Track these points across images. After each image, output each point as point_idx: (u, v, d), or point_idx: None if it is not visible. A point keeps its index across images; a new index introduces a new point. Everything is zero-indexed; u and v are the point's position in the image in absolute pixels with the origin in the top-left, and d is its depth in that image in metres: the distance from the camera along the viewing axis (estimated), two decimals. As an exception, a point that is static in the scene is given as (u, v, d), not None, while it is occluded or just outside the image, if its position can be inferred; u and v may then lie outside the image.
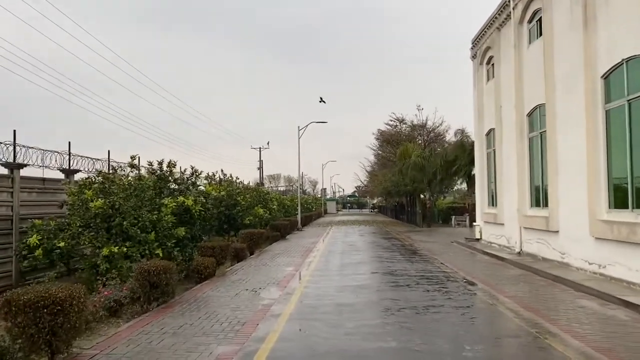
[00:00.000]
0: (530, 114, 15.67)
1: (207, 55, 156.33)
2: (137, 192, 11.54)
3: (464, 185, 49.90)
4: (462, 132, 34.07)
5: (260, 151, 74.01)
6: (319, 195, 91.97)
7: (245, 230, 18.81)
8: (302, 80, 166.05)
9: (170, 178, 14.28)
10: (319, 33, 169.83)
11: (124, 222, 10.39)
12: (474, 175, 36.08)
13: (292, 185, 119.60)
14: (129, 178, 12.28)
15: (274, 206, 28.53)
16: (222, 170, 24.41)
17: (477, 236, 21.37)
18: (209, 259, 12.44)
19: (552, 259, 13.55)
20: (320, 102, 35.00)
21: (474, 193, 39.65)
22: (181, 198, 13.34)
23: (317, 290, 10.54)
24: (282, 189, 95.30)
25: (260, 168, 74.40)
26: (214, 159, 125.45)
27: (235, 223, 22.85)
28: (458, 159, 34.42)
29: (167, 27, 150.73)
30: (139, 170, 13.10)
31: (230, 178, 25.23)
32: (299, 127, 33.31)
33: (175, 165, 13.94)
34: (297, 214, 34.40)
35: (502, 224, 18.10)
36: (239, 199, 22.86)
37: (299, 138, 33.32)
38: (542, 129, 14.67)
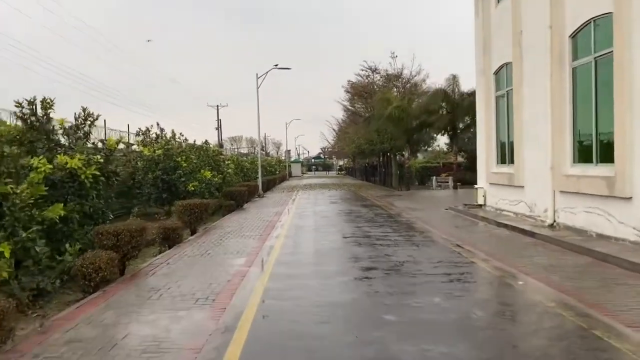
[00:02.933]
0: (575, 34, 11.25)
1: (160, 15, 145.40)
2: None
3: (440, 143, 46.18)
4: (453, 78, 29.68)
5: (217, 109, 68.20)
6: (283, 158, 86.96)
7: (184, 201, 14.01)
8: (260, 41, 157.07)
9: (52, 127, 9.31)
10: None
11: None
12: (464, 127, 32.18)
13: (254, 148, 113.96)
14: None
15: (230, 170, 23.67)
16: (157, 124, 19.31)
17: (480, 202, 17.27)
18: (106, 253, 7.69)
19: (616, 237, 9.45)
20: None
21: (458, 150, 35.80)
22: (62, 157, 8.41)
23: (281, 315, 6.01)
24: (244, 152, 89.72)
25: (219, 128, 68.70)
26: (176, 123, 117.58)
27: (177, 191, 18.01)
28: (441, 109, 30.26)
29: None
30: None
31: (170, 136, 20.15)
32: (257, 74, 28.16)
33: (52, 105, 8.90)
34: (258, 177, 29.61)
35: (521, 187, 13.95)
36: (179, 160, 17.95)
37: (258, 87, 28.20)
38: (600, 51, 10.30)
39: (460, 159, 58.05)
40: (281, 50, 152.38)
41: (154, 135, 19.09)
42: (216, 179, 18.99)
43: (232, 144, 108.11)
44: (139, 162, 18.43)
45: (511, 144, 14.98)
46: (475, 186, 18.00)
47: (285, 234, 12.79)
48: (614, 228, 9.64)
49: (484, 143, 17.14)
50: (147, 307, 6.34)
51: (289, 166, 78.91)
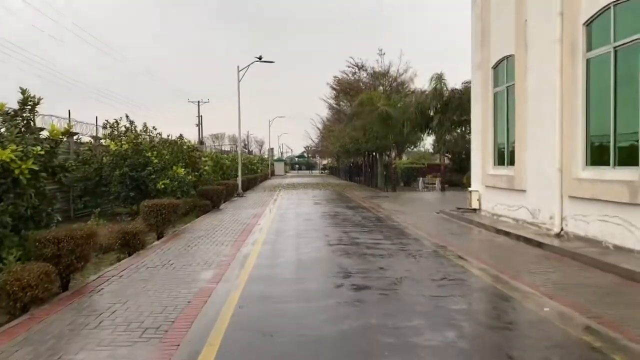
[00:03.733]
0: (590, 22, 10.08)
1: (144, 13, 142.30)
2: None
3: (425, 143, 45.21)
4: (439, 77, 28.54)
5: (199, 105, 66.35)
6: (266, 156, 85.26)
7: (150, 202, 12.50)
8: (245, 39, 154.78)
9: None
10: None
11: None
12: (451, 126, 31.01)
13: (236, 145, 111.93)
14: None
15: (207, 167, 22.13)
16: (127, 116, 17.71)
17: (475, 206, 16.10)
18: (39, 267, 6.22)
19: (639, 250, 8.30)
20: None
21: (445, 152, 34.71)
22: (-11, 148, 6.91)
23: (251, 357, 4.63)
24: (226, 149, 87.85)
25: (200, 124, 66.91)
26: (158, 120, 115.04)
27: (147, 189, 16.47)
28: (429, 109, 29.13)
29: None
30: None
31: (142, 129, 18.55)
32: (238, 67, 26.60)
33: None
34: (238, 176, 28.09)
35: (523, 191, 12.78)
36: (150, 155, 16.40)
37: (239, 81, 26.62)
38: (621, 40, 9.13)
39: (445, 160, 57.67)
40: (266, 49, 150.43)
41: (123, 128, 17.45)
42: (190, 177, 17.47)
43: (214, 141, 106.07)
44: (105, 158, 16.85)
45: (511, 144, 13.81)
46: (469, 189, 16.83)
47: (264, 239, 11.38)
48: (636, 239, 8.47)
49: (480, 143, 15.95)
50: (78, 342, 4.91)
51: (272, 165, 77.29)
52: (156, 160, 16.25)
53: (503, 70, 14.30)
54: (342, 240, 11.10)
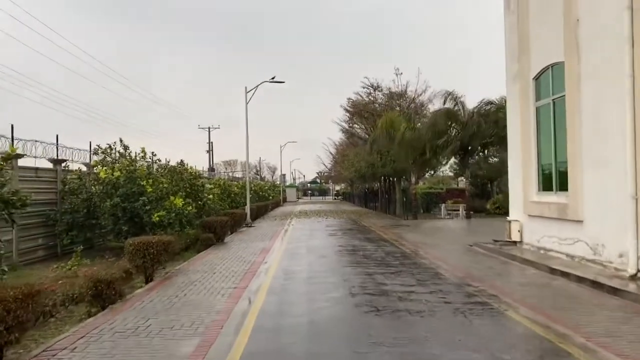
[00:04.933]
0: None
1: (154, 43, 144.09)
2: None
3: (444, 167, 43.18)
4: (450, 94, 26.74)
5: (209, 131, 65.25)
6: (278, 182, 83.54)
7: (136, 239, 10.58)
8: (256, 66, 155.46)
9: None
10: (261, 18, 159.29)
11: None
12: (477, 148, 28.92)
13: (250, 171, 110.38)
14: None
15: (210, 195, 20.27)
16: (121, 140, 15.98)
17: (515, 238, 13.94)
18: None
19: None
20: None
21: (468, 177, 32.49)
22: None
23: None
24: (238, 175, 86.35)
25: (210, 151, 65.64)
26: (172, 146, 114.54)
27: (142, 222, 14.65)
28: (449, 129, 27.18)
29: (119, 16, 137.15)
30: None
31: (140, 155, 16.77)
32: (246, 88, 24.98)
33: None
34: (246, 204, 26.18)
35: (579, 221, 10.64)
36: (144, 184, 14.60)
37: (247, 103, 24.96)
38: None
39: (463, 184, 55.17)
40: (278, 75, 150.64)
41: (117, 154, 15.70)
42: (190, 208, 15.59)
43: (226, 168, 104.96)
44: (94, 187, 15.08)
45: (560, 165, 11.75)
46: (507, 218, 14.68)
47: (269, 286, 9.34)
48: None
49: (519, 164, 13.87)
50: None
51: (284, 191, 75.52)
52: (151, 190, 14.41)
53: (547, 80, 12.32)
54: (366, 287, 9.01)
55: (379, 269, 10.98)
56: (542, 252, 12.28)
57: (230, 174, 77.28)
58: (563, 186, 11.51)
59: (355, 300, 7.90)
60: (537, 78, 12.83)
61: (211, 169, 59.14)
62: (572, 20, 10.78)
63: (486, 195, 38.35)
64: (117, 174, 14.41)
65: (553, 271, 10.29)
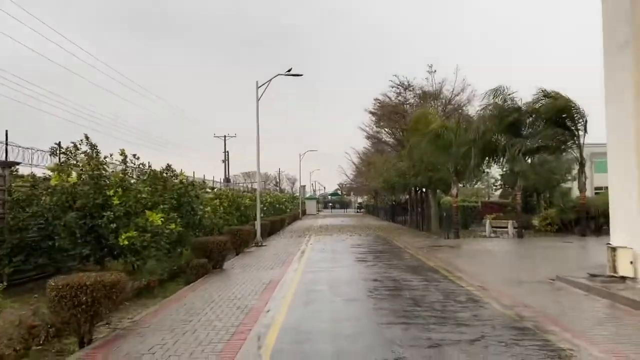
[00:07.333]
0: None
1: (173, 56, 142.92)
2: None
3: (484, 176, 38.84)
4: (497, 90, 22.70)
5: (225, 140, 62.02)
6: (298, 194, 79.71)
7: (59, 280, 6.71)
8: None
9: None
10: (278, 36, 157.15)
11: None
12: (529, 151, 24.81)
13: (272, 183, 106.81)
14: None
15: (208, 207, 16.41)
16: (87, 137, 12.23)
17: (623, 272, 9.78)
18: None
19: None
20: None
21: (520, 188, 28.04)
22: None
23: None
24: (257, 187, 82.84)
25: (226, 160, 62.24)
26: (193, 158, 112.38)
27: (108, 243, 10.95)
28: (493, 132, 23.01)
29: (145, 33, 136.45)
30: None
31: (121, 159, 12.95)
32: (257, 82, 21.20)
33: None
34: (257, 220, 22.26)
35: None
36: (110, 194, 10.86)
37: (258, 99, 21.17)
38: None
39: (498, 197, 50.13)
40: (297, 84, 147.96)
41: (83, 155, 11.98)
42: (173, 226, 11.75)
43: (245, 179, 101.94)
44: (44, 197, 11.35)
45: None
46: (611, 244, 10.44)
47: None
48: None
49: (630, 170, 9.69)
50: None
51: (303, 203, 71.62)
52: (117, 202, 10.61)
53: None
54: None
55: (440, 327, 6.87)
56: (686, 299, 8.04)
57: (249, 186, 73.92)
58: None
59: None
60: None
61: (227, 179, 55.72)
62: None
63: (531, 210, 33.76)
64: (72, 179, 10.69)
65: None
